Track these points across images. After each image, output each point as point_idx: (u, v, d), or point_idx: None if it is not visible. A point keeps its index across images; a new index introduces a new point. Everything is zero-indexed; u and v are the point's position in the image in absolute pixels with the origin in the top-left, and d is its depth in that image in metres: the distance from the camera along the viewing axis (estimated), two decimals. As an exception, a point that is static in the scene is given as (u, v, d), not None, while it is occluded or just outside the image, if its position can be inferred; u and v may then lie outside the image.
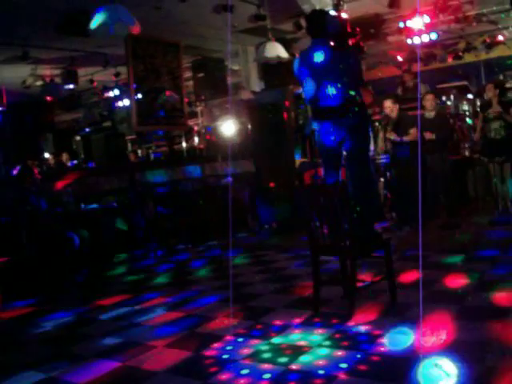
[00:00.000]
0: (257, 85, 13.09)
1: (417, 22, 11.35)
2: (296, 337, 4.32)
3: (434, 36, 12.04)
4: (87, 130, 19.12)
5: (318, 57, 5.20)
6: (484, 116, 8.68)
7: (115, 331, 5.03)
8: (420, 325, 4.19)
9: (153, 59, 11.15)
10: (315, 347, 4.04)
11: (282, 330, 4.51)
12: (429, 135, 8.56)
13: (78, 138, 18.20)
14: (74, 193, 8.28)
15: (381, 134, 9.04)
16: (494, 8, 11.60)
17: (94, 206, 8.55)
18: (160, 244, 9.18)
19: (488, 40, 14.15)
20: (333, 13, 9.30)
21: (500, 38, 14.16)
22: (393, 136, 8.58)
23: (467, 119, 11.84)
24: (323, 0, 9.25)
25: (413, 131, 8.42)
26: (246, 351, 4.10)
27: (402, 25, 11.75)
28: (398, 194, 8.83)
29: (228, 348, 4.22)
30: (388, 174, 9.06)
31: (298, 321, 4.69)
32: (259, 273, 6.86)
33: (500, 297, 4.77)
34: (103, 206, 8.83)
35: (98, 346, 4.68)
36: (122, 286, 7.07)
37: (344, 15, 9.38)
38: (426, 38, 12.05)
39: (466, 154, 10.58)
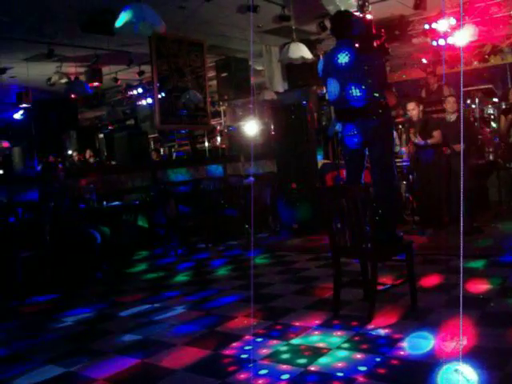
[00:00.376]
0: (280, 85, 13.10)
1: (442, 24, 11.27)
2: (315, 338, 4.30)
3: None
4: (110, 127, 19.28)
5: (343, 58, 5.18)
6: (506, 120, 8.60)
7: (135, 328, 5.06)
8: (440, 330, 4.17)
9: (176, 58, 11.21)
10: (334, 349, 4.03)
11: (301, 331, 4.50)
12: (458, 147, 8.47)
13: (101, 135, 18.34)
14: (96, 190, 8.34)
15: (404, 137, 8.99)
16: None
17: (116, 203, 8.60)
18: (180, 242, 9.22)
19: (515, 43, 14.02)
20: (358, 14, 9.29)
21: (527, 41, 14.02)
22: (417, 139, 8.53)
23: (492, 123, 11.72)
24: (348, 1, 9.22)
25: (436, 134, 8.37)
26: (264, 351, 4.10)
27: (427, 27, 11.68)
28: (420, 197, 8.76)
29: (247, 348, 4.22)
30: (410, 176, 8.99)
31: (317, 322, 4.68)
32: (279, 273, 6.85)
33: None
34: (125, 203, 8.88)
35: (117, 343, 4.71)
36: (142, 283, 7.11)
37: (369, 16, 9.34)
38: (451, 41, 11.95)
39: (490, 158, 10.47)
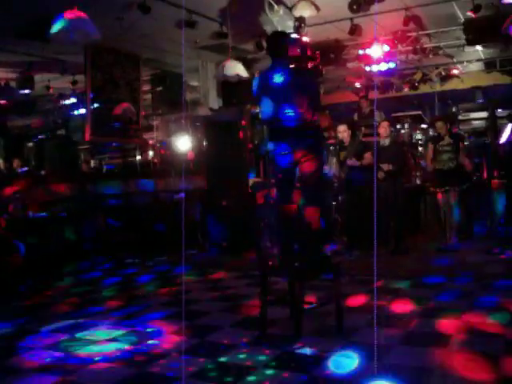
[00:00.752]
0: (215, 102, 13.10)
1: (376, 51, 11.57)
2: (242, 356, 4.29)
3: (392, 65, 12.27)
4: (40, 136, 18.77)
5: (277, 78, 5.23)
6: (435, 147, 8.90)
7: (56, 344, 4.90)
8: (364, 348, 4.23)
9: (111, 70, 11.07)
10: (261, 367, 4.02)
11: (228, 349, 4.48)
12: (386, 167, 8.67)
13: (31, 144, 17.82)
14: (22, 200, 8.09)
15: (334, 159, 9.15)
16: (451, 42, 11.92)
17: (43, 214, 8.37)
18: (108, 256, 9.04)
19: (443, 73, 14.53)
20: (294, 36, 9.43)
21: (455, 71, 14.56)
22: (351, 161, 8.69)
23: (419, 148, 12.07)
24: (285, 22, 9.35)
25: (367, 155, 8.56)
26: (191, 369, 4.05)
27: (361, 52, 11.97)
28: (349, 218, 8.91)
29: (173, 365, 4.16)
30: (340, 197, 9.13)
31: (244, 340, 4.66)
32: (207, 290, 6.82)
33: (443, 323, 4.85)
34: (53, 214, 8.65)
35: (36, 360, 4.53)
36: (66, 297, 6.92)
37: (305, 39, 9.50)
38: (383, 67, 12.28)
39: (418, 182, 10.78)
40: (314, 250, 5.00)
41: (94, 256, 8.95)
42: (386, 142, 8.99)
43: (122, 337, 5.02)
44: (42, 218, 8.28)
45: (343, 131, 8.86)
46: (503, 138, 8.65)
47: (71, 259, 9.01)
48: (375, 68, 12.46)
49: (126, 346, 4.72)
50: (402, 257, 8.12)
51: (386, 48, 11.50)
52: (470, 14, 9.76)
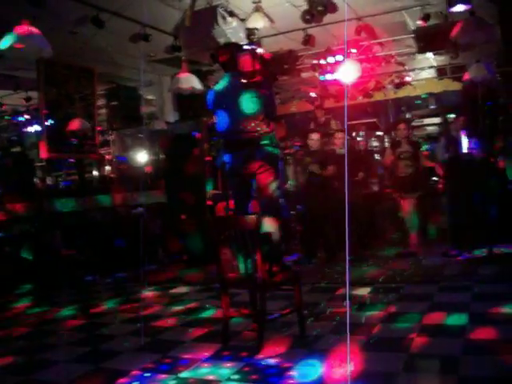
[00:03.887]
0: (171, 115, 13.08)
1: (329, 60, 11.72)
2: (205, 371, 4.25)
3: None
4: (-6, 154, 18.41)
5: (231, 89, 5.24)
6: (394, 154, 9.01)
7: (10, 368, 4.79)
8: (329, 356, 4.23)
9: (66, 85, 10.94)
10: (224, 381, 3.99)
11: (190, 363, 4.43)
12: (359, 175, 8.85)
13: (-17, 161, 17.46)
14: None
15: (292, 168, 9.21)
16: (403, 50, 12.14)
17: (-2, 234, 8.20)
18: (67, 275, 8.87)
19: (396, 80, 14.78)
20: (247, 47, 9.46)
21: (407, 78, 14.82)
22: (315, 168, 8.74)
23: (375, 155, 12.22)
24: (238, 34, 9.38)
25: (331, 168, 8.63)
26: (152, 386, 4.00)
27: (315, 62, 12.10)
28: (308, 227, 8.95)
29: (134, 383, 4.10)
30: (298, 207, 9.18)
31: (206, 354, 4.62)
32: (168, 305, 6.75)
33: (403, 329, 4.89)
34: (7, 234, 8.46)
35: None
36: (21, 319, 6.75)
37: (259, 50, 9.53)
38: (337, 76, 12.41)
39: (375, 188, 10.89)
40: (274, 260, 5.00)
41: (53, 275, 8.75)
42: (342, 151, 9.10)
43: (82, 355, 4.93)
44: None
45: (316, 139, 8.93)
46: (463, 146, 8.80)
47: (29, 279, 8.81)
48: (329, 77, 12.60)
49: (86, 365, 4.63)
50: (362, 263, 8.18)
51: (339, 57, 11.66)
52: (419, 22, 9.96)
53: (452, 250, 8.21)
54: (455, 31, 8.53)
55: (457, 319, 5.02)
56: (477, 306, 5.43)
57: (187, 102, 12.27)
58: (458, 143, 8.59)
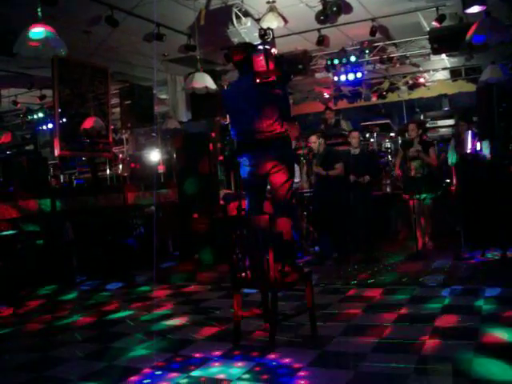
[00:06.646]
0: (184, 115, 13.11)
1: (343, 61, 11.71)
2: (215, 370, 4.25)
3: (359, 75, 12.41)
4: (8, 152, 18.53)
5: (246, 90, 5.24)
6: (405, 154, 8.96)
7: (26, 364, 4.82)
8: (340, 357, 4.23)
9: (79, 84, 10.97)
10: (235, 380, 3.99)
11: (201, 362, 4.44)
12: (363, 179, 8.80)
13: (-2, 160, 17.58)
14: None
15: (305, 169, 9.21)
16: (417, 51, 12.11)
17: (11, 232, 8.21)
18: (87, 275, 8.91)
19: (410, 81, 14.75)
20: (261, 47, 9.46)
21: (421, 80, 14.79)
22: (318, 170, 8.73)
23: (389, 156, 12.19)
24: (253, 34, 9.40)
25: (339, 166, 8.61)
26: (164, 384, 4.02)
27: (329, 62, 12.09)
28: (320, 228, 8.93)
29: (146, 381, 4.11)
30: (311, 207, 9.17)
31: (217, 353, 4.63)
32: (179, 304, 6.77)
33: (415, 331, 4.87)
34: (21, 232, 8.49)
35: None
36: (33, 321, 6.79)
37: (273, 50, 9.53)
38: (351, 77, 12.41)
39: (388, 190, 10.86)
40: (286, 261, 4.99)
41: (69, 274, 8.79)
42: (357, 151, 9.12)
43: (95, 353, 4.96)
44: (9, 236, 8.10)
45: (314, 142, 8.90)
46: (467, 147, 8.74)
47: (48, 280, 8.79)
48: (343, 78, 12.59)
49: (100, 363, 4.65)
50: (374, 265, 8.15)
51: (354, 58, 11.65)
52: (434, 23, 9.93)
53: (464, 253, 8.17)
54: (470, 33, 8.48)
55: (469, 322, 5.00)
56: (489, 309, 5.40)
57: (200, 102, 12.28)
58: (466, 145, 8.56)
